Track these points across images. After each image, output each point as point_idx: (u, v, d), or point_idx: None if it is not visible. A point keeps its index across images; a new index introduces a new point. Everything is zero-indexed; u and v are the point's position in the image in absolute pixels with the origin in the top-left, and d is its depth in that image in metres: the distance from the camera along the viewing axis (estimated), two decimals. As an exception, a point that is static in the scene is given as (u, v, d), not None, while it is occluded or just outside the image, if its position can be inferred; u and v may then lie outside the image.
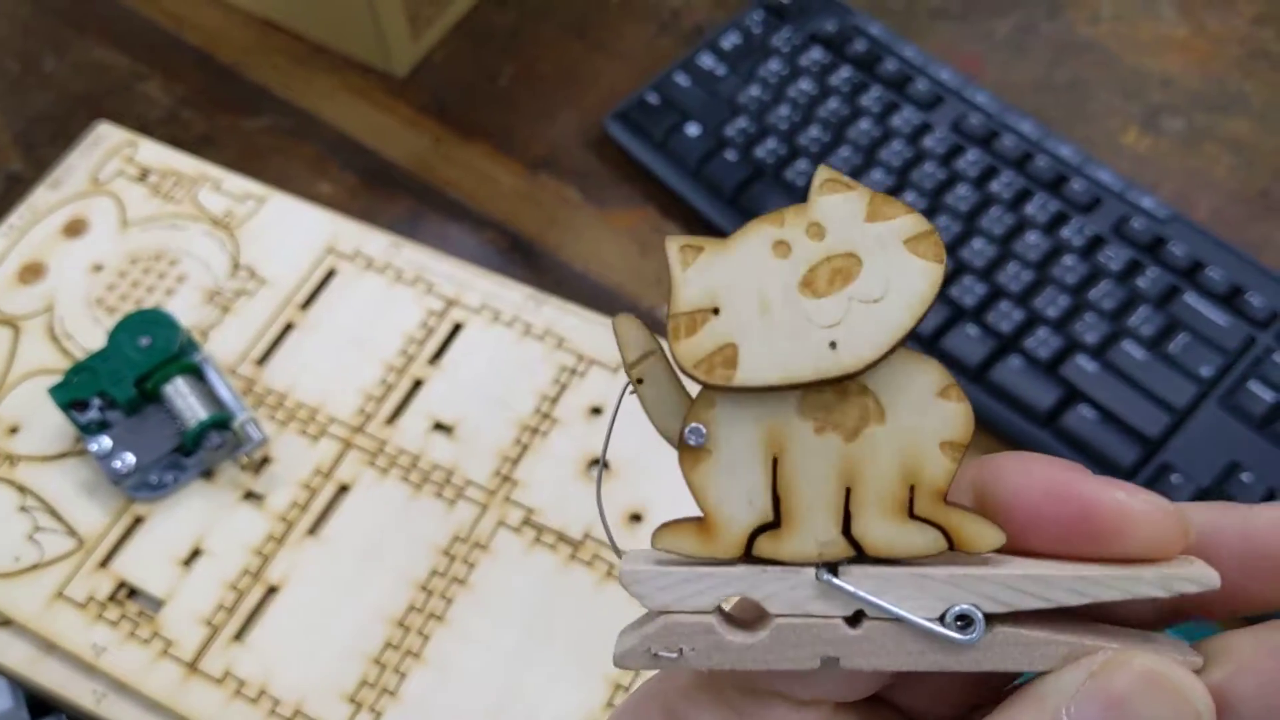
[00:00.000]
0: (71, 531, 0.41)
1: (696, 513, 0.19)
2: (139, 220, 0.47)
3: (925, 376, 0.19)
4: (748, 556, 0.19)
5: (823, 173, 0.19)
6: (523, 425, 0.42)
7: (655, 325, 0.55)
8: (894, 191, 0.56)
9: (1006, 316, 0.52)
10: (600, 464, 0.21)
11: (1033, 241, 0.54)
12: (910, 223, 0.18)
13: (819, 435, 0.19)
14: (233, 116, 0.63)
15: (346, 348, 0.44)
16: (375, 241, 0.46)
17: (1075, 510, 0.19)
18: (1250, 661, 0.18)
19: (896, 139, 0.57)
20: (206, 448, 0.41)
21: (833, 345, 0.18)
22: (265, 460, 0.42)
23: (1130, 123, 0.60)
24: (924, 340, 0.52)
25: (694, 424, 0.19)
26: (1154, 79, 0.62)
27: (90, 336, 0.45)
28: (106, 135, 0.50)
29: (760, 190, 0.57)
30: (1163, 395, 0.50)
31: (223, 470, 0.42)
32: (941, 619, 0.18)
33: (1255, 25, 0.63)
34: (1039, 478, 0.19)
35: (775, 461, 0.19)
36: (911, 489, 0.19)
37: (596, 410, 0.42)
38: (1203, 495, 0.48)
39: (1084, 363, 0.51)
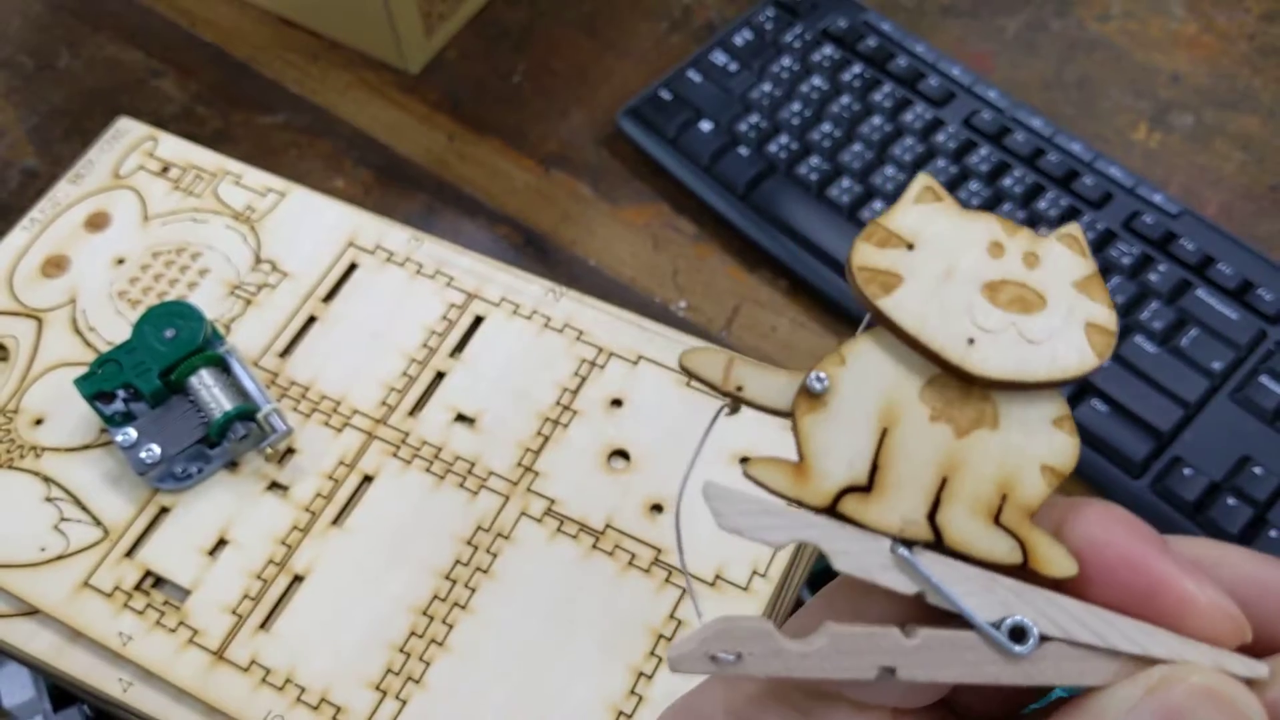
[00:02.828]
0: (97, 522, 0.41)
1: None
2: (160, 214, 0.47)
3: (1047, 403, 0.20)
4: (830, 511, 0.19)
5: (1073, 229, 0.20)
6: (543, 417, 0.43)
7: (673, 321, 0.56)
8: (905, 188, 0.56)
9: (1019, 311, 0.53)
10: (679, 501, 0.22)
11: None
12: (1104, 313, 0.20)
13: (932, 422, 0.20)
14: (247, 113, 0.63)
15: (369, 340, 0.44)
16: (395, 236, 0.47)
17: (1144, 585, 0.19)
18: None
19: (908, 135, 0.58)
20: (231, 439, 0.41)
21: (970, 342, 0.19)
22: (290, 451, 0.42)
23: (1140, 119, 0.61)
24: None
25: (821, 372, 0.20)
26: (1163, 75, 0.62)
27: (113, 329, 0.45)
28: (127, 130, 0.50)
29: (772, 186, 0.57)
30: (1174, 389, 0.50)
31: (247, 461, 0.42)
32: (997, 626, 0.19)
33: (1264, 21, 0.63)
34: (1118, 541, 0.19)
35: (884, 432, 0.20)
36: (1003, 499, 0.19)
37: (617, 402, 0.43)
38: (1214, 489, 0.49)
39: (1096, 356, 0.51)
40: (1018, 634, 0.19)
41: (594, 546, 0.40)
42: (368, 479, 0.42)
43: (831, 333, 0.56)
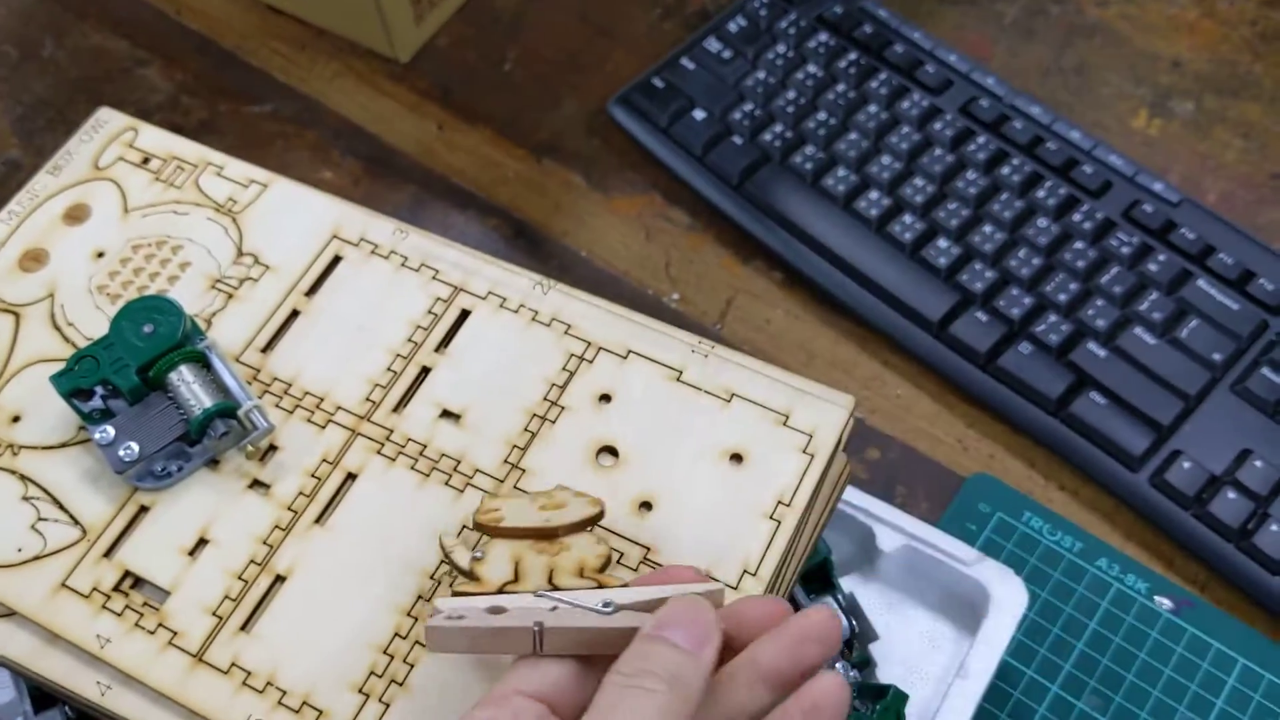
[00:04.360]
0: (75, 521, 0.40)
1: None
2: (141, 206, 0.47)
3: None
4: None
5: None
6: (531, 413, 0.42)
7: (666, 315, 0.55)
8: (903, 177, 0.55)
9: (1016, 302, 0.52)
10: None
11: (1042, 226, 0.54)
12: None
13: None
14: (234, 103, 0.62)
15: (352, 335, 0.43)
16: (380, 228, 0.46)
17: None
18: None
19: (905, 123, 0.57)
20: (212, 436, 0.40)
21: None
22: (271, 449, 0.41)
23: (1140, 106, 0.60)
24: (934, 327, 0.52)
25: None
26: (1164, 62, 0.61)
27: (92, 324, 0.44)
28: (108, 120, 0.49)
29: (766, 176, 0.56)
30: (1174, 381, 0.50)
31: (228, 459, 0.41)
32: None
33: (1265, 7, 0.62)
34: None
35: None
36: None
37: (605, 397, 0.42)
38: (1214, 482, 0.48)
39: (1094, 348, 0.51)
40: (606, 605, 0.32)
41: (582, 545, 0.39)
42: (351, 477, 0.41)
43: (826, 325, 0.55)
